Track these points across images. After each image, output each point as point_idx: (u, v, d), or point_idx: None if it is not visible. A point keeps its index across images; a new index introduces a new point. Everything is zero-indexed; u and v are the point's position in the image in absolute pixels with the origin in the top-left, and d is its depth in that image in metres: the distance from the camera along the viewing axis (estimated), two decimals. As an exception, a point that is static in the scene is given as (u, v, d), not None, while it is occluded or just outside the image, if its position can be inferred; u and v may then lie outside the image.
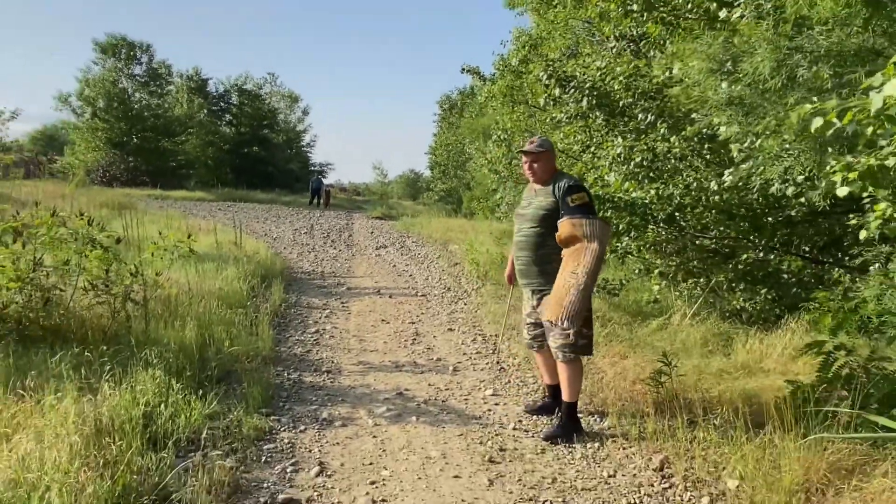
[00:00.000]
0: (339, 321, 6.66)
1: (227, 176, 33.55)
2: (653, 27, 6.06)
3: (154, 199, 21.78)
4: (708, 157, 5.83)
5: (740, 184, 4.58)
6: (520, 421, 3.81)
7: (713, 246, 6.09)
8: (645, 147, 5.79)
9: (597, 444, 3.44)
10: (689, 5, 5.76)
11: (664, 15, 5.93)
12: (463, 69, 13.60)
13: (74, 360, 3.87)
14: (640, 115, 6.02)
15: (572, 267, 3.36)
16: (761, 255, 5.98)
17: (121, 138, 27.82)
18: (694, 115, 5.49)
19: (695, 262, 6.06)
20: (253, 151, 36.47)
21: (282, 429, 3.71)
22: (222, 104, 37.43)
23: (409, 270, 9.85)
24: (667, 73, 5.77)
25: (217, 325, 5.37)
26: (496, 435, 3.60)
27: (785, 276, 5.93)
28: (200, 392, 3.88)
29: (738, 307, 5.98)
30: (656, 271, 6.04)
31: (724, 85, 4.03)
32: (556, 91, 6.72)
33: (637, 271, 6.34)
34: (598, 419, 3.77)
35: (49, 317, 4.49)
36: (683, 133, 5.74)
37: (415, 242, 13.47)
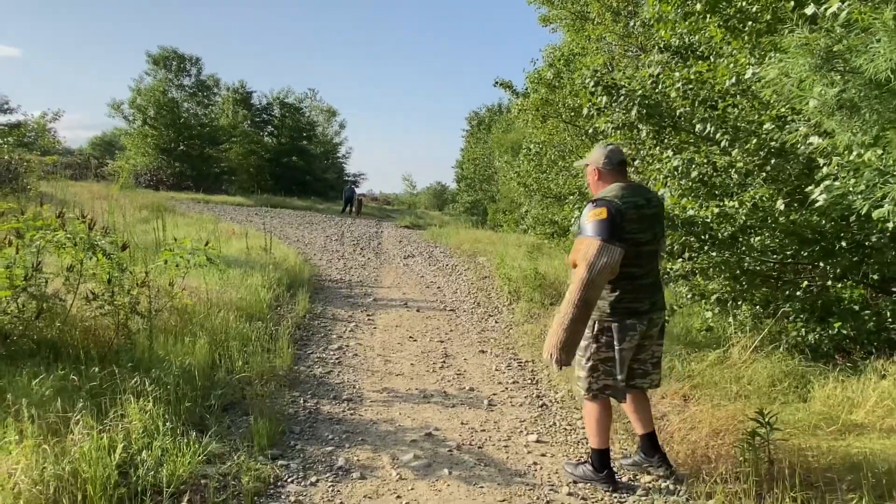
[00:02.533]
0: (364, 336, 5.85)
1: (267, 183, 33.13)
2: (715, 30, 5.18)
3: (195, 203, 21.24)
4: (771, 172, 4.94)
5: (834, 204, 3.66)
6: (574, 482, 2.94)
7: (774, 272, 5.17)
8: (705, 160, 4.90)
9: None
10: (756, 7, 4.89)
11: (728, 17, 5.04)
12: (496, 83, 12.74)
13: (58, 383, 3.11)
14: (697, 126, 5.13)
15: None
16: (829, 282, 5.03)
17: (168, 145, 27.46)
18: (766, 125, 4.61)
19: (754, 289, 5.14)
20: (292, 161, 36.06)
21: (289, 479, 2.89)
22: (265, 116, 37.06)
23: (437, 282, 9.02)
24: (732, 79, 4.90)
25: (232, 339, 4.62)
26: (547, 502, 2.74)
27: (855, 307, 4.98)
28: (200, 428, 3.12)
29: (800, 339, 5.03)
30: (713, 297, 5.12)
31: (818, 88, 3.14)
32: (603, 99, 5.85)
33: (690, 296, 5.43)
34: (672, 484, 2.88)
35: (47, 329, 3.75)
36: (748, 146, 4.85)
37: (442, 253, 12.63)
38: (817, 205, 3.54)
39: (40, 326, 3.76)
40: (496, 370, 4.85)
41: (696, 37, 5.99)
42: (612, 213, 2.66)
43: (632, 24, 8.86)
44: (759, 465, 2.73)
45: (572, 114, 11.35)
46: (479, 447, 3.33)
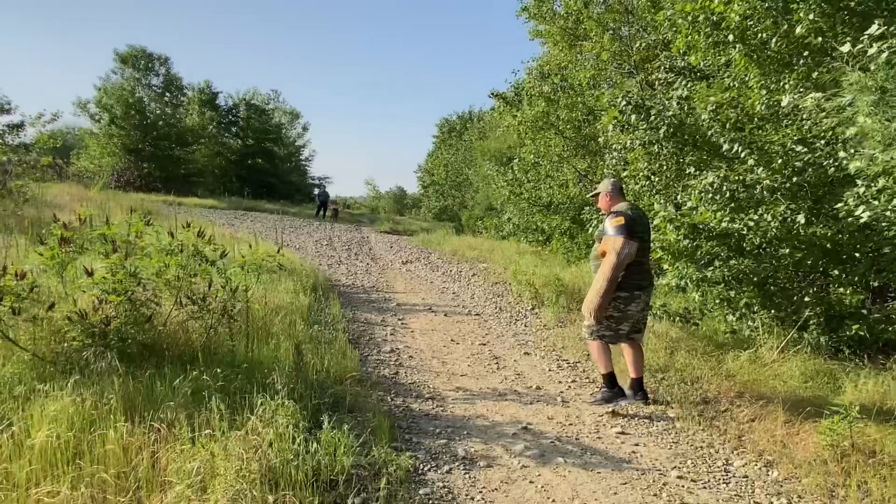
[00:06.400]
0: (407, 339, 6.11)
1: (233, 185, 32.70)
2: (740, 59, 5.69)
3: (169, 206, 20.83)
4: (793, 188, 5.45)
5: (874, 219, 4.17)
6: (677, 467, 3.31)
7: (795, 280, 5.71)
8: (737, 177, 5.38)
9: (784, 501, 2.95)
10: (779, 42, 5.43)
11: (754, 47, 5.56)
12: (492, 93, 13.21)
13: (192, 384, 3.29)
14: (725, 146, 5.62)
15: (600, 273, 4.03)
16: (831, 288, 5.60)
17: (135, 145, 26.70)
18: (799, 148, 5.13)
19: (775, 296, 5.65)
20: (257, 163, 35.77)
21: (425, 468, 3.17)
22: (230, 117, 36.55)
23: (450, 288, 9.31)
24: (762, 106, 5.41)
25: (305, 342, 4.81)
26: (664, 484, 3.10)
27: (864, 311, 5.55)
28: (319, 424, 3.34)
29: (817, 341, 5.56)
30: (742, 302, 5.61)
31: (874, 120, 3.63)
32: (632, 118, 6.31)
33: (718, 301, 5.90)
34: (764, 469, 3.28)
35: (147, 332, 3.88)
36: (773, 165, 5.36)
37: (440, 259, 12.91)
38: (861, 221, 4.05)
39: (144, 330, 3.89)
40: (550, 370, 5.20)
41: (710, 61, 6.54)
42: (628, 220, 4.03)
43: (637, 44, 9.41)
44: (838, 447, 3.16)
45: (569, 126, 11.88)
46: (577, 438, 3.67)
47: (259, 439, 2.65)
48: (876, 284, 5.80)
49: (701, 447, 3.56)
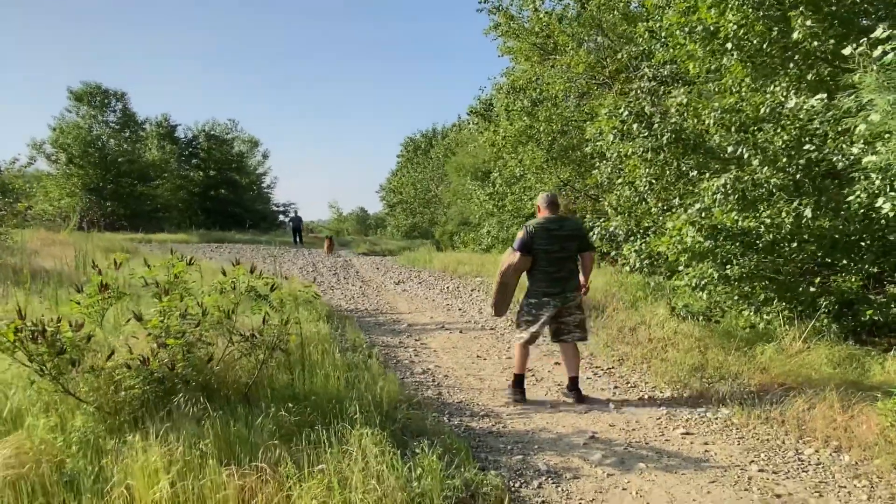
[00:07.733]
0: (433, 359, 6.10)
1: (198, 218, 32.07)
2: (737, 65, 5.96)
3: (141, 244, 20.29)
4: (793, 184, 5.70)
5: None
6: (753, 461, 3.40)
7: (806, 273, 5.94)
8: (747, 177, 5.60)
9: (867, 483, 3.07)
10: (771, 47, 5.71)
11: (751, 53, 5.83)
12: (471, 111, 13.41)
13: (274, 421, 3.23)
14: (729, 149, 5.85)
15: None
16: (852, 278, 5.86)
17: (96, 184, 26.00)
18: (807, 147, 5.37)
19: (787, 289, 5.87)
20: (221, 194, 35.26)
21: (515, 485, 3.17)
22: (190, 149, 35.93)
23: (454, 304, 9.33)
24: (765, 109, 5.65)
25: (347, 370, 4.77)
26: (749, 478, 3.18)
27: (871, 297, 5.81)
28: (428, 450, 3.32)
29: (828, 328, 5.80)
30: (761, 297, 5.81)
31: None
32: (634, 126, 6.52)
33: (735, 298, 6.09)
34: (835, 455, 3.41)
35: (206, 373, 3.79)
36: (778, 163, 5.60)
37: (432, 276, 12.92)
38: (883, 212, 4.27)
39: (201, 371, 3.80)
40: (588, 379, 5.26)
41: (704, 68, 6.81)
42: (525, 234, 4.45)
43: (618, 55, 9.71)
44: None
45: (547, 138, 12.12)
46: (647, 443, 3.73)
47: (375, 469, 2.63)
48: (875, 271, 6.10)
49: (767, 440, 3.67)
